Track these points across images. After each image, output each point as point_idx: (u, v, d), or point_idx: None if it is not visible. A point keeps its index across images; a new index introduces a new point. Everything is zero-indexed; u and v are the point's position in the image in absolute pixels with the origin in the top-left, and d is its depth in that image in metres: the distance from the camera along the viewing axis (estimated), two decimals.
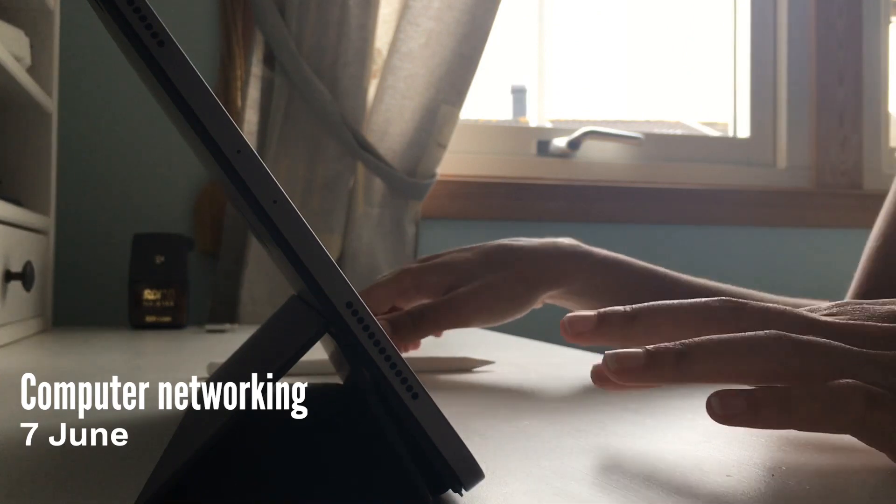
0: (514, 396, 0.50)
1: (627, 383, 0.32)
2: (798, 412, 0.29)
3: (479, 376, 0.55)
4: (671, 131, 1.71)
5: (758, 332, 0.31)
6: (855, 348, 0.31)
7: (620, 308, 0.35)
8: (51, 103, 0.98)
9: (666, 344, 0.32)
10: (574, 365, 0.64)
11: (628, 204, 1.39)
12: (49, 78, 0.99)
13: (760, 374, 0.31)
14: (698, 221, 1.42)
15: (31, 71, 0.94)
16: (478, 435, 0.37)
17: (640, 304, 0.35)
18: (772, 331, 0.31)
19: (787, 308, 0.34)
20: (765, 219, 1.44)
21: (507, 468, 0.31)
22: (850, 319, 0.34)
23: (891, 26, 1.57)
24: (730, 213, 1.43)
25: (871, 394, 0.29)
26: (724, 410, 0.30)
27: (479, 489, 0.25)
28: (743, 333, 0.32)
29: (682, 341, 0.32)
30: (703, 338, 0.32)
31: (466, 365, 0.59)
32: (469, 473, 0.24)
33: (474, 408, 0.45)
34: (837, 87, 1.50)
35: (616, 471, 0.30)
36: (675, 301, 0.35)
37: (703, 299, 0.35)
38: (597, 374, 0.36)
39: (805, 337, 0.31)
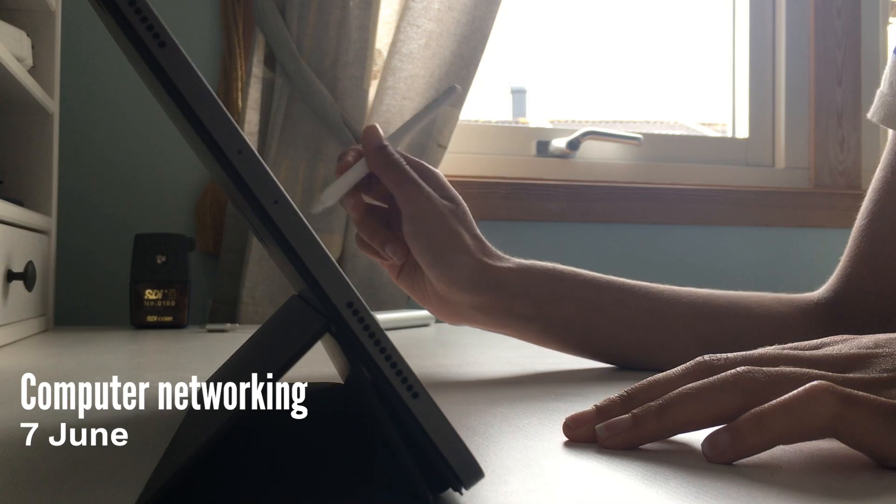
0: (513, 396, 0.50)
1: (621, 448, 0.34)
2: (774, 426, 0.30)
3: (479, 376, 0.55)
4: (670, 131, 1.71)
5: (728, 372, 0.33)
6: (828, 373, 0.32)
7: (618, 400, 0.36)
8: (52, 104, 0.98)
9: (649, 403, 0.34)
10: (573, 364, 0.64)
11: (627, 204, 1.39)
12: (51, 78, 0.99)
13: (738, 410, 0.32)
14: (697, 221, 1.42)
15: (33, 71, 0.94)
16: (477, 434, 0.37)
17: (634, 390, 0.36)
18: (742, 367, 0.33)
19: (754, 351, 0.36)
20: (763, 219, 1.44)
21: (506, 467, 0.31)
22: (828, 350, 0.35)
23: (889, 27, 1.57)
24: (728, 214, 1.43)
25: (842, 393, 0.30)
26: (714, 450, 0.31)
27: (478, 488, 0.26)
28: (716, 376, 0.33)
29: (662, 396, 0.34)
30: (679, 389, 0.34)
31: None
32: (469, 472, 0.25)
33: (474, 407, 0.45)
34: (836, 88, 1.50)
35: (615, 470, 0.31)
36: (662, 376, 0.36)
37: (682, 368, 0.36)
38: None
39: (775, 368, 0.33)
